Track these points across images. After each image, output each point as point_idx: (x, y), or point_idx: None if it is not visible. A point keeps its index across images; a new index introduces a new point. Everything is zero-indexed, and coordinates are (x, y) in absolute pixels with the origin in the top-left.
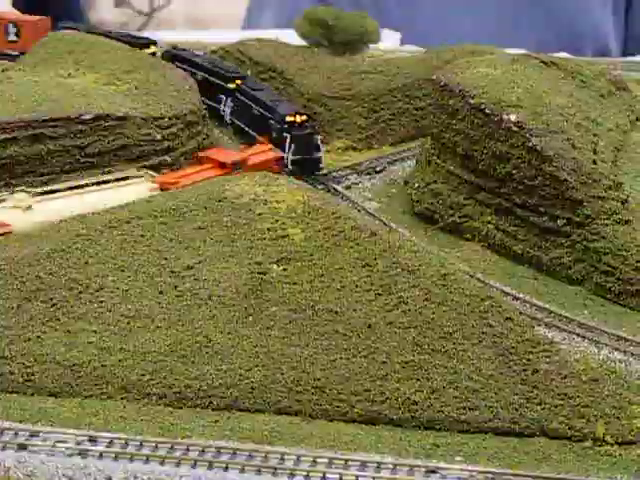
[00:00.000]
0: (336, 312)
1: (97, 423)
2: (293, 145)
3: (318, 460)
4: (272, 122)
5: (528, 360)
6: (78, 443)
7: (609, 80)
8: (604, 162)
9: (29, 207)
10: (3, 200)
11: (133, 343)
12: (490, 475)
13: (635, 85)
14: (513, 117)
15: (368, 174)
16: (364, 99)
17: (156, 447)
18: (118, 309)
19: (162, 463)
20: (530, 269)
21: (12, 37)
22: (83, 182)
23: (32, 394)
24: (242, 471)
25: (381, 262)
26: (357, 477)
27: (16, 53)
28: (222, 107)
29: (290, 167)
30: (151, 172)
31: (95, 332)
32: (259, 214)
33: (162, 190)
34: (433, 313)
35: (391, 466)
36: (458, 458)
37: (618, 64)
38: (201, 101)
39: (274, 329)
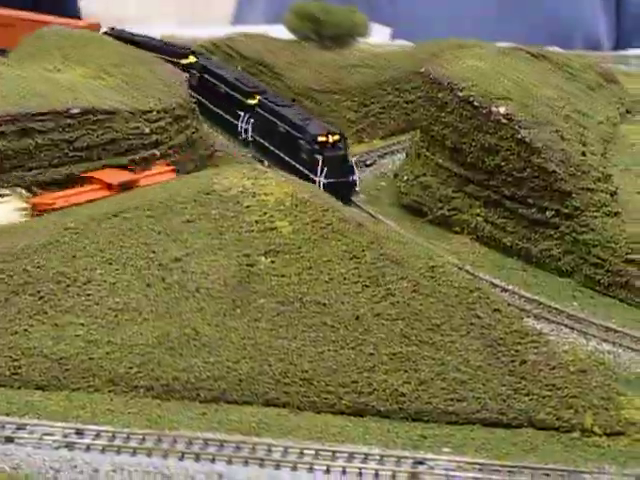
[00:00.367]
0: (324, 304)
1: (84, 416)
2: (326, 168)
3: (305, 452)
4: (301, 142)
5: (516, 351)
6: (65, 436)
7: (598, 73)
8: (593, 154)
9: None
10: None
11: (120, 336)
12: (478, 466)
13: (624, 78)
14: (502, 109)
15: (358, 168)
16: (353, 93)
17: (143, 439)
18: (106, 302)
19: (149, 455)
20: (519, 261)
21: None
22: None
23: (19, 387)
24: (229, 463)
25: (369, 254)
26: (344, 468)
27: None
28: (241, 124)
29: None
30: (25, 191)
31: (82, 325)
32: (247, 207)
33: (36, 212)
34: (421, 305)
35: (378, 457)
36: (446, 449)
37: (608, 57)
38: (190, 95)
39: (262, 321)
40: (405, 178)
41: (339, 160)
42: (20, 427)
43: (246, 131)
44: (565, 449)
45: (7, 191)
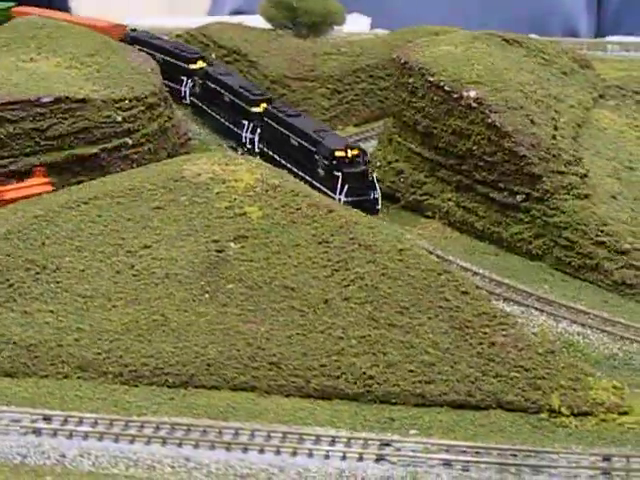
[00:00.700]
0: (292, 288)
1: (53, 402)
2: (346, 186)
3: (272, 435)
4: (318, 157)
5: (484, 333)
6: (33, 422)
7: (572, 58)
8: (564, 138)
9: None
10: None
11: (89, 322)
12: (445, 447)
13: (599, 64)
14: (472, 93)
15: None
16: (327, 80)
17: (110, 425)
18: (75, 289)
19: (116, 440)
20: (491, 245)
21: None
22: None
23: None
24: (196, 447)
25: (338, 238)
26: (311, 451)
27: None
28: (245, 134)
29: None
30: None
31: (52, 312)
32: (217, 193)
33: None
34: (389, 288)
35: (345, 440)
36: (413, 431)
37: (585, 44)
38: (163, 83)
39: (230, 306)
40: (378, 164)
41: (359, 177)
42: None
43: (251, 141)
44: (533, 430)
45: None
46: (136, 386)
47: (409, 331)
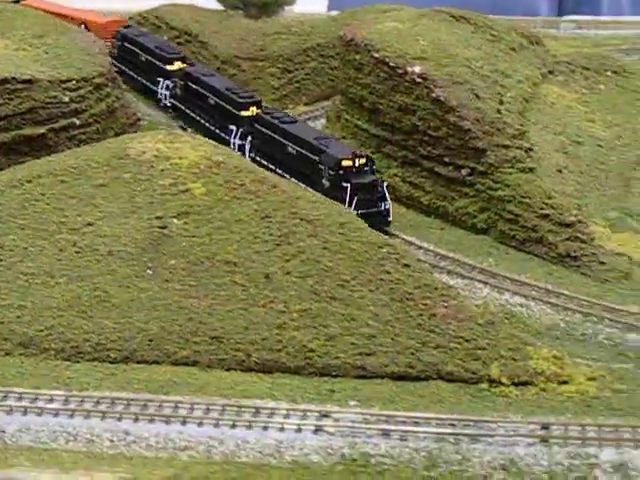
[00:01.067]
0: (234, 263)
1: None
2: (356, 198)
3: (211, 408)
4: (322, 168)
5: (425, 305)
6: None
7: (521, 34)
8: (510, 112)
9: None
10: None
11: (32, 300)
12: (384, 417)
13: (552, 41)
14: (417, 69)
15: None
16: (278, 60)
17: (51, 400)
18: (18, 267)
19: (56, 415)
20: (436, 219)
21: None
22: None
23: None
24: (136, 421)
25: (280, 213)
26: (250, 423)
27: None
28: (233, 140)
29: None
30: None
31: None
32: (161, 170)
33: None
34: (331, 261)
35: (284, 412)
36: (352, 402)
37: (539, 21)
38: (111, 64)
39: (172, 282)
40: None
41: (370, 188)
42: None
43: (241, 148)
44: (472, 400)
45: None
46: (78, 362)
47: (350, 304)
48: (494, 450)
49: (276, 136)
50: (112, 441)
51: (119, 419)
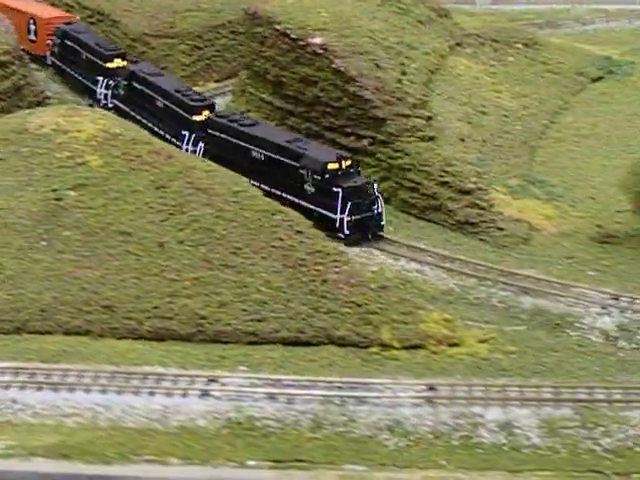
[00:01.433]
0: (129, 233)
1: None
2: (348, 203)
3: (100, 375)
4: (304, 172)
5: (317, 271)
6: None
7: (430, 7)
8: (413, 83)
9: None
10: None
11: None
12: (271, 382)
13: (467, 17)
14: (317, 40)
15: None
16: (187, 37)
17: None
18: None
19: None
20: None
21: (32, 36)
22: None
23: None
24: (23, 389)
25: (176, 183)
26: (137, 389)
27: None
28: (186, 146)
29: (346, 232)
30: None
31: None
32: (59, 143)
33: None
34: (224, 230)
35: (172, 378)
36: (242, 368)
37: None
38: (17, 41)
39: (66, 253)
40: None
41: (362, 191)
42: None
43: (193, 154)
44: (363, 363)
45: None
46: None
47: (242, 271)
48: (380, 411)
49: (238, 141)
50: None
51: (6, 387)
